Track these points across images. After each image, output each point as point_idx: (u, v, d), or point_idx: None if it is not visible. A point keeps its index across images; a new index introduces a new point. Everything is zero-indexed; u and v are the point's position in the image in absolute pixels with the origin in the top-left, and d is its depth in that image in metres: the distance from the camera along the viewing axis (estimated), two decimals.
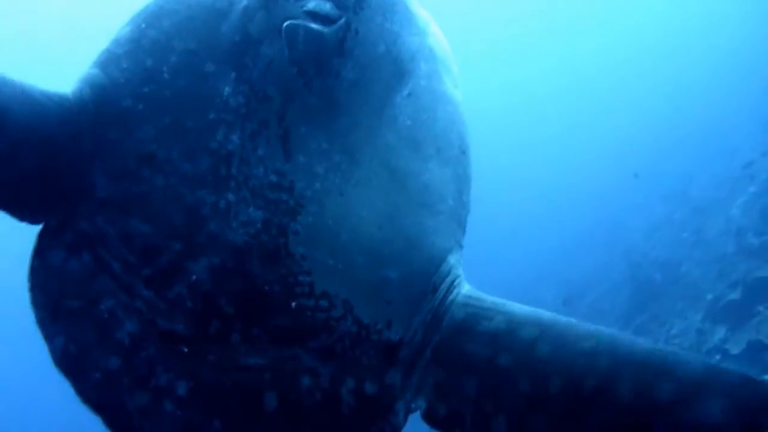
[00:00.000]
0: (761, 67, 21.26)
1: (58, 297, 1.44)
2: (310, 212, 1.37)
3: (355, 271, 1.40)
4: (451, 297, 1.53)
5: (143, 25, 1.46)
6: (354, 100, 1.44)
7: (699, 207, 14.78)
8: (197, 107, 1.38)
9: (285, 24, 1.39)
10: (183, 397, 1.38)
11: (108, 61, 1.47)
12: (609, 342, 1.37)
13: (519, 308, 1.48)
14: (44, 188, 1.44)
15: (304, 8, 1.42)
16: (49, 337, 1.47)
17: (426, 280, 1.49)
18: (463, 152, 1.59)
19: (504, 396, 1.39)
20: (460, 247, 1.59)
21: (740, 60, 25.23)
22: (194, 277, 1.36)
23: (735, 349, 8.86)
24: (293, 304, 1.38)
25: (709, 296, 10.68)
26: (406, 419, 1.50)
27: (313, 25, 1.40)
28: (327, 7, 1.43)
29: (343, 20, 1.44)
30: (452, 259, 1.54)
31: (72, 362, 1.43)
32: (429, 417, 1.49)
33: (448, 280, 1.53)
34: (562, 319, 1.45)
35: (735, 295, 9.89)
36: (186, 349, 1.37)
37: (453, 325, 1.50)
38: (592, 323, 1.41)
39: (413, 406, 1.50)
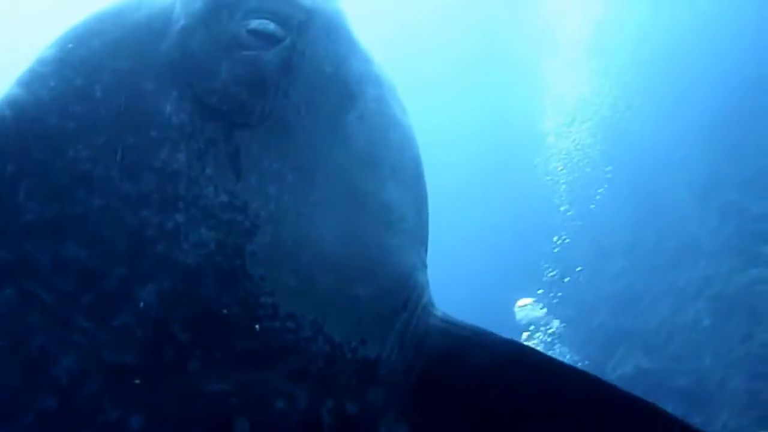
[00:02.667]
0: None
1: None
2: (267, 232, 1.32)
3: (320, 291, 1.34)
4: (426, 318, 1.51)
5: (70, 45, 1.39)
6: (305, 120, 1.40)
7: None
8: (137, 125, 1.31)
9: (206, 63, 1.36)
10: (140, 430, 1.28)
11: (32, 80, 1.39)
12: (594, 390, 1.44)
13: (499, 343, 1.49)
14: None
15: (247, 28, 1.38)
16: None
17: (395, 297, 1.45)
18: (418, 174, 1.58)
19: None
20: (425, 265, 1.57)
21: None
22: (142, 303, 1.26)
23: None
24: (257, 326, 1.30)
25: None
26: None
27: (247, 52, 1.37)
28: (271, 27, 1.40)
29: (288, 40, 1.42)
30: (419, 276, 1.51)
31: None
32: None
33: (418, 297, 1.50)
34: (542, 356, 1.50)
35: None
36: (138, 381, 1.27)
37: (437, 354, 1.49)
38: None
39: (396, 428, 1.47)
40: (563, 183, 15.94)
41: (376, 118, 1.50)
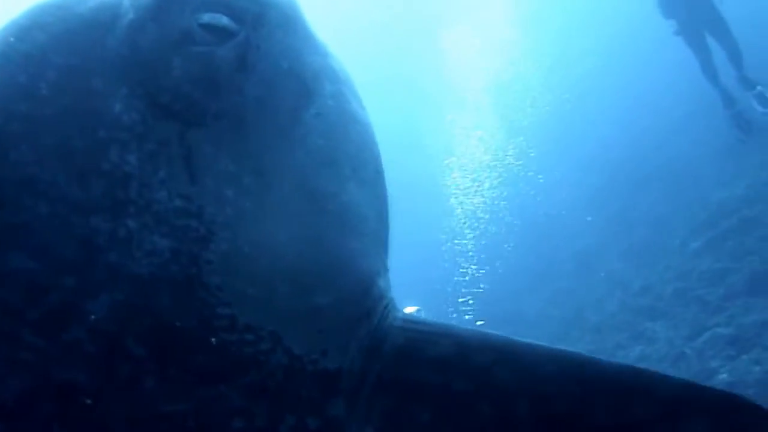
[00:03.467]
0: None
1: None
2: (224, 239, 1.22)
3: (279, 301, 1.24)
4: (387, 322, 1.41)
5: (12, 39, 1.28)
6: (261, 119, 1.31)
7: None
8: (85, 125, 1.21)
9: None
10: None
11: None
12: (573, 364, 1.28)
13: (465, 331, 1.36)
14: None
15: (199, 21, 1.28)
16: None
17: (357, 305, 1.34)
18: (379, 173, 1.51)
19: (464, 420, 1.29)
20: (387, 269, 1.47)
21: None
22: (93, 316, 1.16)
23: None
24: (213, 339, 1.19)
25: None
26: None
27: (200, 48, 1.27)
28: (224, 21, 1.30)
29: (242, 35, 1.31)
30: (381, 282, 1.41)
31: None
32: None
33: (381, 304, 1.39)
34: (514, 340, 1.34)
35: None
36: (90, 402, 1.15)
37: (396, 351, 1.38)
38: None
39: None
40: (470, 246, 15.77)
41: (334, 115, 1.42)
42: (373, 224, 1.41)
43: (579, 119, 17.46)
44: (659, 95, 16.13)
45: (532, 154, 16.59)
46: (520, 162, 16.90)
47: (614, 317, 10.56)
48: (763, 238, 9.33)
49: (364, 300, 1.34)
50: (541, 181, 16.48)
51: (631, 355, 9.39)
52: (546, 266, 14.11)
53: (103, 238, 1.16)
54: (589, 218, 14.24)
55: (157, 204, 1.19)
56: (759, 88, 9.28)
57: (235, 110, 1.27)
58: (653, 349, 9.20)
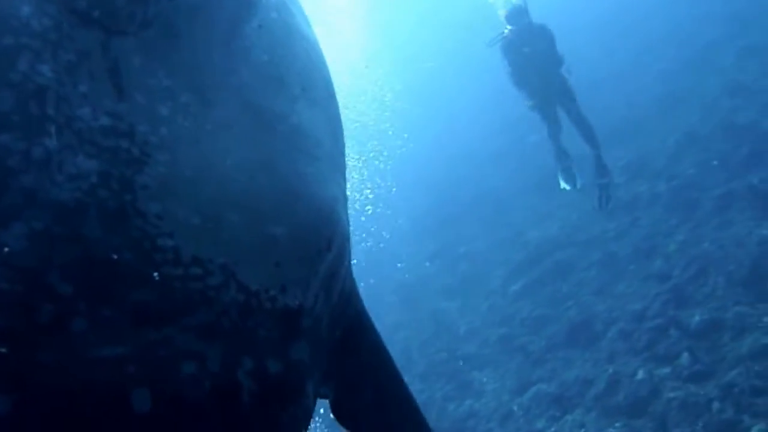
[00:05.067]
0: None
1: None
2: (161, 162, 1.10)
3: (230, 231, 1.15)
4: (352, 278, 1.44)
5: None
6: (196, 29, 1.18)
7: None
8: None
9: None
10: (7, 417, 1.02)
11: None
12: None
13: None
14: None
15: None
16: None
17: (317, 234, 1.28)
18: (331, 95, 1.44)
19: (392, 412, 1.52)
20: (345, 198, 1.42)
21: None
22: (6, 249, 1.02)
23: None
24: (155, 274, 1.09)
25: None
26: (314, 403, 1.35)
27: None
28: None
29: None
30: (341, 209, 1.36)
31: None
32: (335, 408, 1.49)
33: (343, 237, 1.36)
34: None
35: None
36: (5, 350, 1.02)
37: (359, 320, 1.44)
38: None
39: (322, 391, 1.41)
40: None
41: (278, 29, 1.34)
42: (328, 148, 1.35)
43: (407, 138, 17.42)
44: (481, 126, 16.54)
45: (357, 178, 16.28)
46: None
47: (442, 365, 10.40)
48: (578, 284, 9.67)
49: (323, 228, 1.28)
50: (368, 210, 16.16)
51: (460, 409, 9.25)
52: (372, 300, 13.74)
53: (15, 159, 1.02)
54: (410, 249, 14.14)
55: (80, 122, 1.06)
56: (606, 180, 9.17)
57: (166, 17, 1.14)
58: (481, 403, 9.11)
